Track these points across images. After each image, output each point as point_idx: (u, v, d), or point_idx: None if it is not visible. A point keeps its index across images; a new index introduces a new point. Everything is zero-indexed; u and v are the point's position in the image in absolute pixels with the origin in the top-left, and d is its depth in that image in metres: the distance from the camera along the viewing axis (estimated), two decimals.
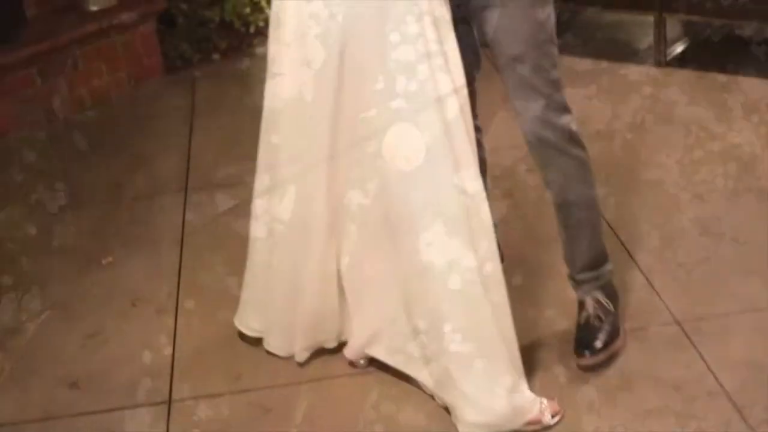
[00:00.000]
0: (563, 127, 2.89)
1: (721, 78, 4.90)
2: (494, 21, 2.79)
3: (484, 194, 2.79)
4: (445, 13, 2.72)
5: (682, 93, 4.88)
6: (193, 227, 4.05)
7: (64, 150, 4.89)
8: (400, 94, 2.71)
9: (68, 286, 3.73)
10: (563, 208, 3.02)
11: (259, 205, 3.17)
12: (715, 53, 5.23)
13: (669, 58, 5.19)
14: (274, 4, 2.88)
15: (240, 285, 3.59)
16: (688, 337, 3.10)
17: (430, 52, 2.68)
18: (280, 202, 3.05)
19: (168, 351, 3.29)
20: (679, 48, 5.33)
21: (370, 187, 2.87)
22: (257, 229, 3.17)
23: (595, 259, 3.09)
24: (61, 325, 3.50)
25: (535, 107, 2.84)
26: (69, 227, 4.17)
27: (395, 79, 2.70)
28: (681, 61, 5.19)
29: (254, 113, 5.03)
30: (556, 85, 2.86)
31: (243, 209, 4.12)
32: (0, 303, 3.67)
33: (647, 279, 3.38)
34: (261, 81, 5.50)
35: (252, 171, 4.42)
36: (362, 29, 2.70)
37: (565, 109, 2.90)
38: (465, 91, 2.76)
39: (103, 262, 3.86)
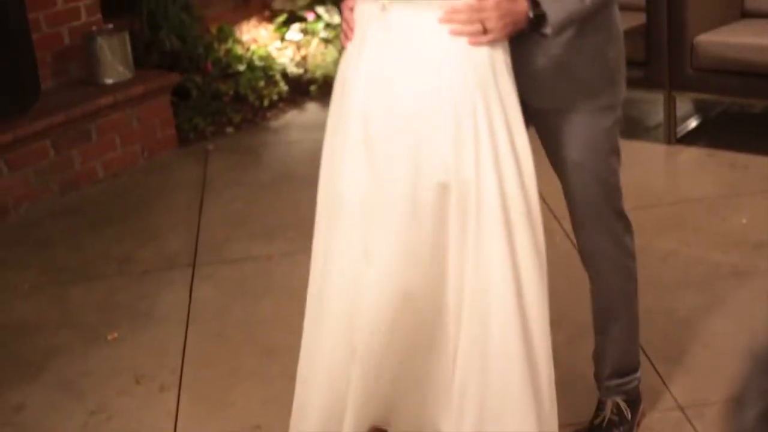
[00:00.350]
0: (618, 237, 2.82)
1: (731, 156, 4.91)
2: (556, 125, 2.68)
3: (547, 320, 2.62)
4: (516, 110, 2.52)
5: (692, 171, 4.89)
6: (199, 303, 4.06)
7: (76, 222, 4.92)
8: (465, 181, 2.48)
9: (74, 361, 3.73)
10: (603, 317, 2.95)
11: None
12: (726, 131, 5.25)
13: (679, 135, 5.21)
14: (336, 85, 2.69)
15: (244, 362, 3.60)
16: (691, 423, 3.07)
17: (497, 143, 2.47)
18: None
19: (169, 430, 3.28)
20: (689, 125, 5.36)
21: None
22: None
23: (625, 368, 3.02)
24: (65, 402, 3.50)
25: (590, 215, 2.76)
26: (78, 301, 4.18)
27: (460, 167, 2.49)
28: (691, 138, 5.21)
29: (265, 188, 5.11)
30: (613, 193, 2.78)
31: (249, 285, 4.15)
32: (5, 377, 3.68)
33: (651, 363, 3.36)
34: (274, 155, 5.61)
35: (260, 246, 4.46)
36: (432, 119, 2.48)
37: (621, 218, 2.82)
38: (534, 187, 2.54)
39: (109, 337, 3.87)
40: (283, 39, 6.44)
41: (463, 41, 2.42)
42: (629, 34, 5.03)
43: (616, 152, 2.76)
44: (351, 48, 2.58)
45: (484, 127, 2.43)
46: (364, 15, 2.54)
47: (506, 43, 2.49)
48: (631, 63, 5.02)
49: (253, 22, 6.50)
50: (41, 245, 4.71)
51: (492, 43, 2.43)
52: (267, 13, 6.54)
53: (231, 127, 5.86)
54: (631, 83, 5.13)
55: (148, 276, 4.33)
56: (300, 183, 5.09)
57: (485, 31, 2.42)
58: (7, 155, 5.01)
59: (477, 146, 2.43)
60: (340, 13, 2.66)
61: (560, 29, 2.52)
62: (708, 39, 4.92)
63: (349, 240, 2.58)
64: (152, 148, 5.60)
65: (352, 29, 2.58)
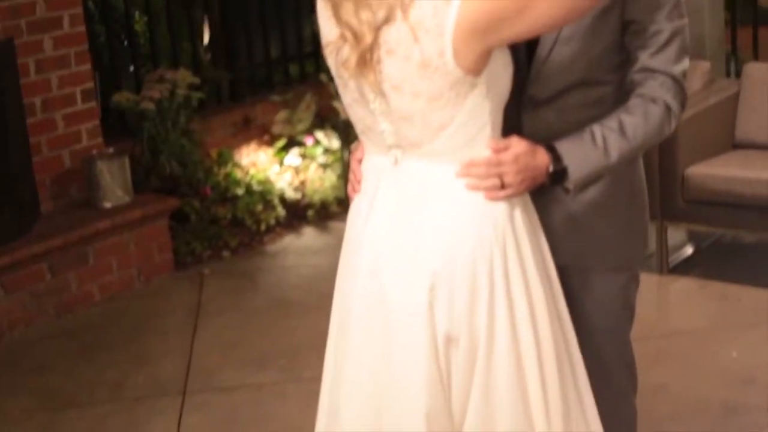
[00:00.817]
0: (622, 390, 2.77)
1: (723, 287, 4.93)
2: (567, 281, 2.55)
3: None
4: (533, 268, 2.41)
5: (684, 302, 4.91)
6: None
7: (71, 346, 4.94)
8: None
9: None
10: None
11: None
12: (719, 261, 5.27)
13: (673, 264, 5.23)
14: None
15: None
16: None
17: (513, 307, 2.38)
18: None
19: None
20: (683, 254, 5.38)
21: None
22: None
23: None
24: None
25: (597, 369, 2.64)
26: (67, 428, 4.18)
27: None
28: (685, 267, 5.23)
29: (260, 313, 5.13)
30: (622, 348, 2.73)
31: (239, 415, 4.14)
32: None
33: None
34: (269, 280, 5.64)
35: (252, 374, 4.47)
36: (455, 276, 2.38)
37: (628, 374, 2.76)
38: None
39: None
40: (281, 163, 6.51)
41: (480, 195, 2.35)
42: None
43: (628, 308, 2.71)
44: (360, 201, 2.51)
45: (501, 285, 2.34)
46: (375, 167, 2.47)
47: (527, 195, 2.43)
48: None
49: (252, 146, 6.59)
50: (34, 369, 4.72)
51: (510, 197, 2.37)
52: (266, 137, 6.63)
53: (228, 251, 5.89)
54: None
55: (140, 403, 4.33)
56: (295, 310, 5.11)
57: (503, 186, 2.34)
58: (4, 278, 5.04)
59: (491, 304, 2.34)
60: (348, 163, 2.61)
61: (582, 186, 2.47)
62: (699, 171, 4.98)
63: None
64: (149, 272, 5.63)
65: (359, 181, 2.52)
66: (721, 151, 5.24)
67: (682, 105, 2.49)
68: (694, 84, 5.31)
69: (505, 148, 2.36)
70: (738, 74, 5.97)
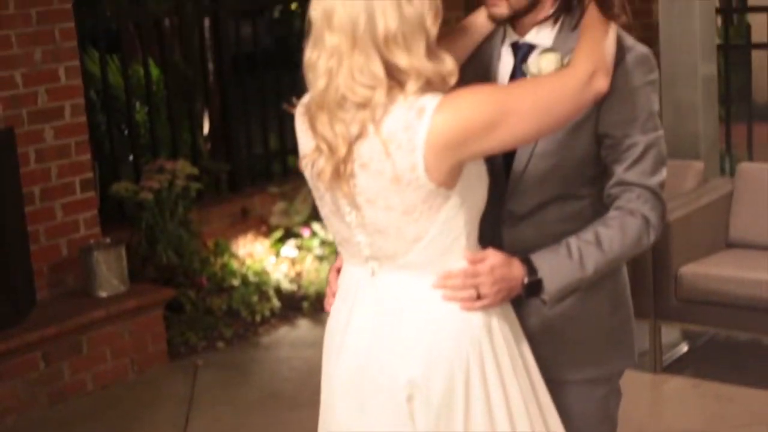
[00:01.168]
0: None
1: (717, 387, 4.91)
2: (559, 400, 2.52)
3: None
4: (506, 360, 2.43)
5: (676, 402, 4.89)
6: None
7: None
8: None
9: None
10: None
11: None
12: (713, 360, 5.26)
13: (667, 362, 5.22)
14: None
15: None
16: None
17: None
18: None
19: None
20: (678, 352, 5.37)
21: None
22: None
23: None
24: None
25: None
26: None
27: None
28: (678, 366, 5.21)
29: (252, 407, 5.11)
30: None
31: None
32: None
33: None
34: (262, 372, 5.62)
35: None
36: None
37: None
38: None
39: None
40: (278, 254, 6.54)
41: (457, 306, 2.37)
42: None
43: (608, 422, 2.68)
44: (338, 311, 2.53)
45: (479, 393, 2.36)
46: (353, 278, 2.49)
47: (507, 304, 2.44)
48: None
49: (249, 237, 6.62)
50: None
51: (486, 307, 2.38)
52: (264, 228, 6.67)
53: (222, 341, 5.89)
54: None
55: None
56: (287, 404, 5.09)
57: (479, 297, 2.36)
58: None
59: (467, 411, 2.36)
60: (328, 273, 2.63)
61: (559, 298, 2.47)
62: (692, 270, 4.99)
63: None
64: (142, 362, 5.62)
65: (333, 294, 2.55)
66: (715, 250, 5.26)
67: (661, 217, 2.50)
68: (687, 183, 5.36)
69: (482, 260, 2.38)
70: (732, 173, 6.02)
